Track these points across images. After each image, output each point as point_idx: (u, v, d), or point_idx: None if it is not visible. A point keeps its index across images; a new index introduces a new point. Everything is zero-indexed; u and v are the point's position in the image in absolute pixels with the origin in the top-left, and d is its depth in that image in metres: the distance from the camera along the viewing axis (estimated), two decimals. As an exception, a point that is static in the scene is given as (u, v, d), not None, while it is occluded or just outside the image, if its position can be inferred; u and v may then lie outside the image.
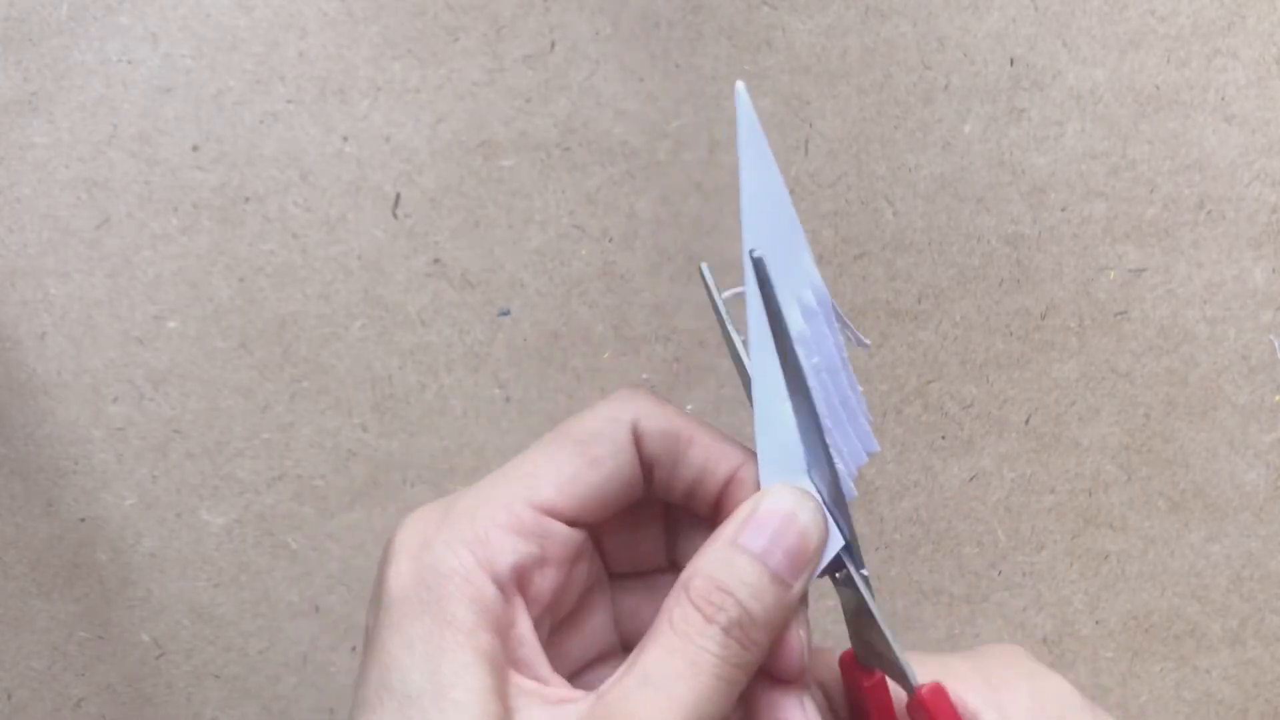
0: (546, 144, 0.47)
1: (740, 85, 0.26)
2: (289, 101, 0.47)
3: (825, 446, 0.26)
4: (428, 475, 0.47)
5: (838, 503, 0.27)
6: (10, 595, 0.47)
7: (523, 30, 0.47)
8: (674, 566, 0.30)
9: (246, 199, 0.47)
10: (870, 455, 0.28)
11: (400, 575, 0.25)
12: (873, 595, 0.27)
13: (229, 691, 0.47)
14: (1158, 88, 0.47)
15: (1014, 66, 0.47)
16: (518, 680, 0.25)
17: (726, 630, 0.25)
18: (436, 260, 0.47)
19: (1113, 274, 0.47)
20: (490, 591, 0.25)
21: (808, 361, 0.26)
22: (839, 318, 0.28)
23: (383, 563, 0.26)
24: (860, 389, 0.28)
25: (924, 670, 0.28)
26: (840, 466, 0.27)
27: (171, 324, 0.47)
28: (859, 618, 0.28)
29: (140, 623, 0.47)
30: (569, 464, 0.27)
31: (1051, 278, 0.47)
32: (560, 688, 0.26)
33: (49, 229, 0.46)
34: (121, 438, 0.47)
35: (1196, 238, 0.47)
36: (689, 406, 0.47)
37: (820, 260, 0.47)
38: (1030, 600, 0.48)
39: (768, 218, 0.27)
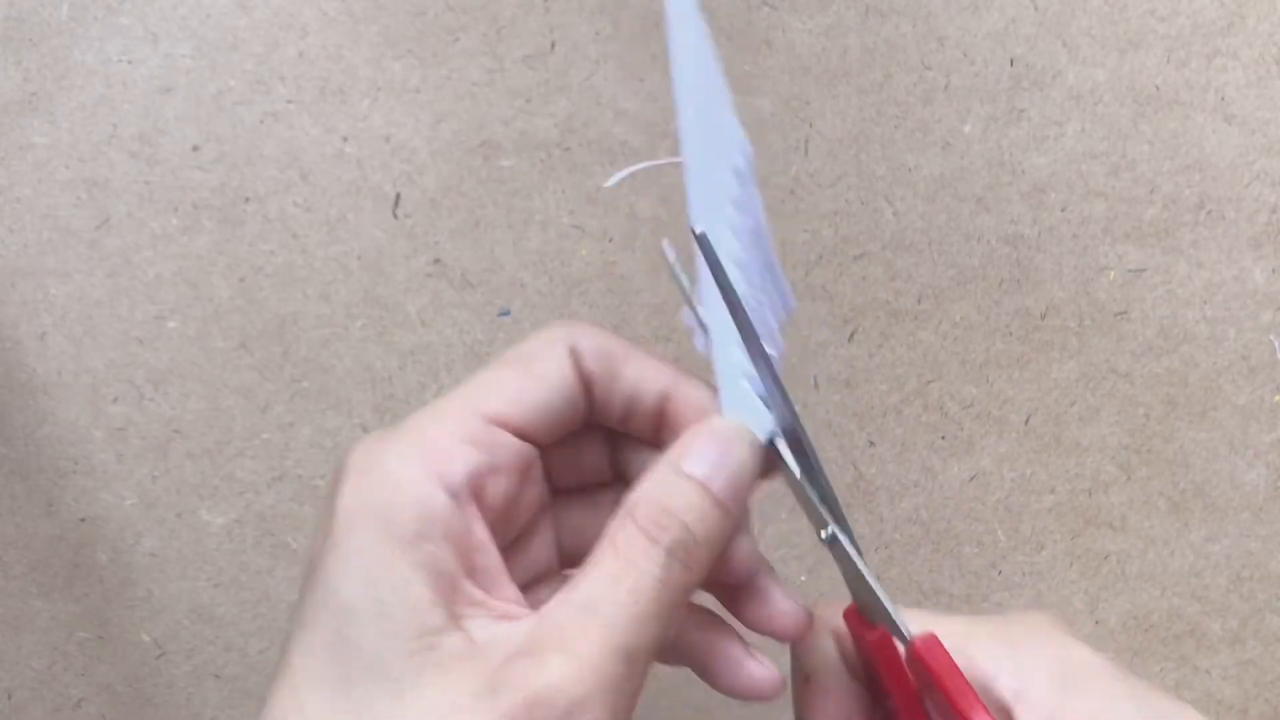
0: (546, 144, 0.47)
1: None
2: (289, 101, 0.47)
3: (773, 375, 0.27)
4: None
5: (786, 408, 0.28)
6: (10, 595, 0.47)
7: (523, 30, 0.47)
8: (618, 480, 0.30)
9: (246, 199, 0.47)
10: (789, 313, 0.30)
11: (346, 494, 0.25)
12: (860, 554, 0.28)
13: (229, 692, 0.47)
14: (1158, 88, 0.47)
15: (1014, 67, 0.47)
16: (469, 590, 0.25)
17: (670, 551, 0.25)
18: (437, 260, 0.47)
19: (1112, 274, 0.47)
20: (440, 499, 0.25)
21: (740, 239, 0.28)
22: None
23: (332, 485, 0.26)
24: (773, 250, 0.29)
25: (947, 630, 0.27)
26: (768, 331, 0.28)
27: (172, 324, 0.47)
28: (852, 578, 0.28)
29: (140, 623, 0.47)
30: (513, 380, 0.27)
31: (1051, 278, 0.47)
32: (510, 602, 0.26)
33: (49, 229, 0.46)
34: (122, 438, 0.47)
35: (1196, 238, 0.47)
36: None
37: (820, 260, 0.47)
38: (1030, 600, 0.48)
39: (698, 88, 0.29)
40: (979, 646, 0.28)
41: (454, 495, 0.25)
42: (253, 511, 0.47)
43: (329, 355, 0.47)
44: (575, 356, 0.28)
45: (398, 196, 0.47)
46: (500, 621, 0.25)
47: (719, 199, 0.28)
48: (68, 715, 0.47)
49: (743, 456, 0.27)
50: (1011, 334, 0.47)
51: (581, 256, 0.47)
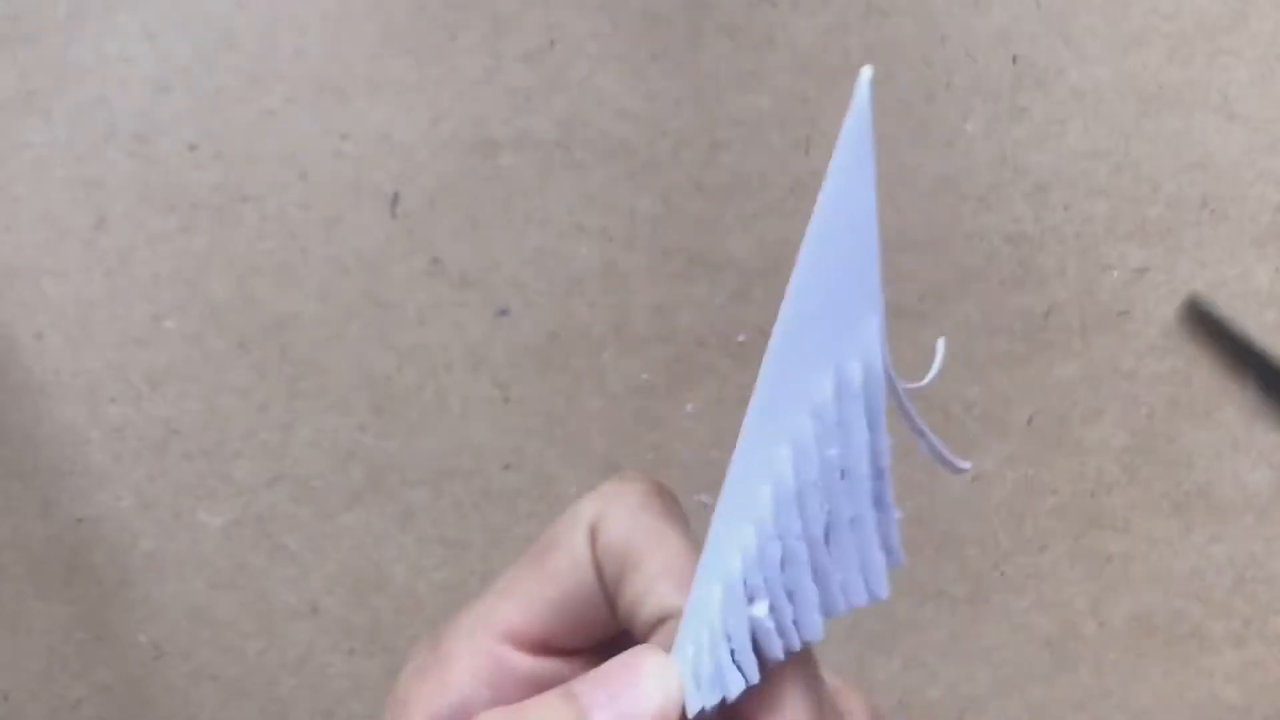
0: (546, 143, 0.47)
1: (866, 73, 0.18)
2: (287, 100, 0.47)
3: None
4: (426, 476, 0.47)
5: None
6: (7, 597, 0.47)
7: (522, 28, 0.47)
8: None
9: (244, 198, 0.46)
10: (874, 600, 0.21)
11: None
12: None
13: (227, 693, 0.47)
14: (1160, 86, 0.47)
15: (1016, 65, 0.47)
16: None
17: None
18: (435, 259, 0.47)
19: (1115, 273, 0.47)
20: None
21: (819, 452, 0.21)
22: (914, 425, 0.22)
23: None
24: (895, 514, 0.21)
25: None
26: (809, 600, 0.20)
27: (169, 324, 0.47)
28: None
29: (138, 624, 0.47)
30: (529, 578, 0.23)
31: (1054, 277, 0.47)
32: None
33: (45, 228, 0.46)
34: (119, 438, 0.46)
35: (1199, 237, 0.47)
36: (688, 407, 0.47)
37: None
38: (1033, 602, 0.48)
39: (838, 247, 0.20)
40: None
41: None
42: (250, 512, 0.47)
43: (327, 355, 0.47)
44: (593, 547, 0.23)
45: (396, 195, 0.47)
46: None
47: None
48: (65, 716, 0.47)
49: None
50: (1014, 334, 0.47)
51: (581, 256, 0.47)
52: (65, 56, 0.46)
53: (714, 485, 0.21)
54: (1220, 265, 0.47)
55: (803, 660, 0.21)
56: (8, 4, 0.46)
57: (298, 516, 0.47)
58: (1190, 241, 0.47)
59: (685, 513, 0.23)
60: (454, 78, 0.47)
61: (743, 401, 0.21)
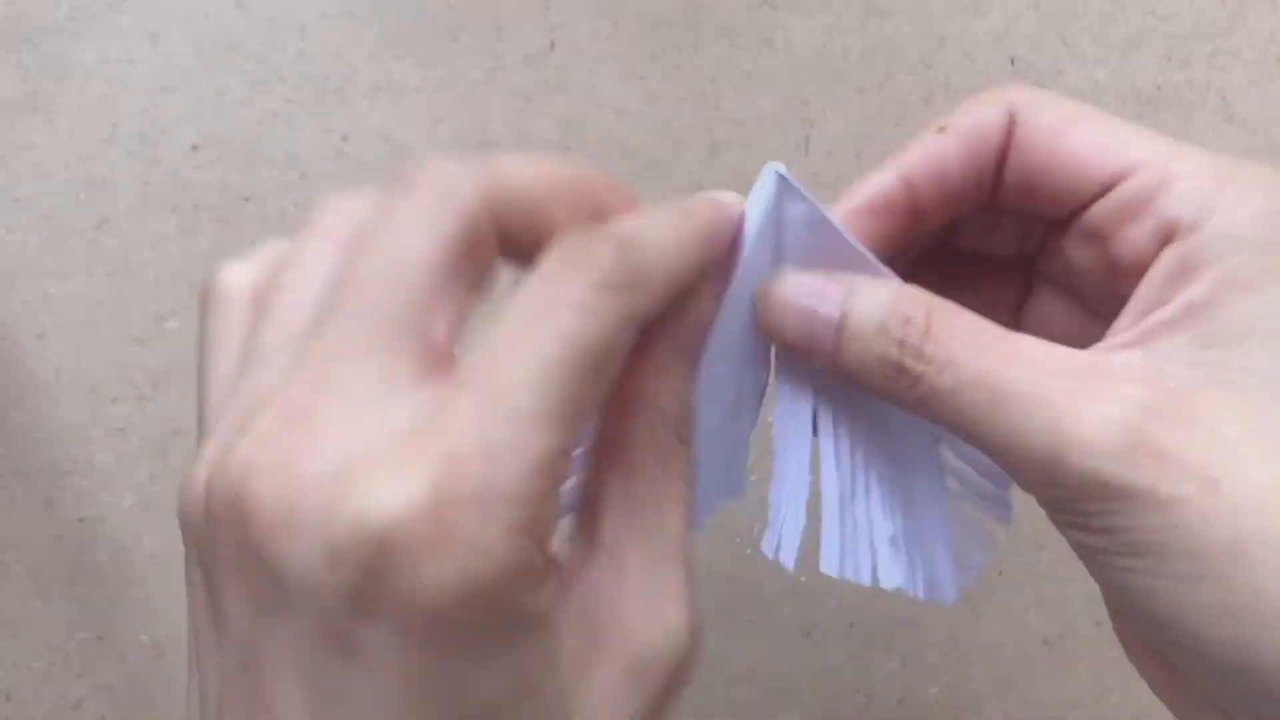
0: (546, 144, 0.47)
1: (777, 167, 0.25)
2: (288, 101, 0.47)
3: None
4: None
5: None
6: (9, 596, 0.47)
7: (523, 30, 0.47)
8: None
9: (246, 199, 0.47)
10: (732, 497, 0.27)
11: (428, 583, 0.18)
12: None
13: (228, 692, 0.47)
14: (1159, 87, 0.47)
15: (1014, 66, 0.47)
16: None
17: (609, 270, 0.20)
18: (436, 260, 0.47)
19: (1114, 274, 0.47)
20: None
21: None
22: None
23: (328, 551, 0.18)
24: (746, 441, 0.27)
25: (1149, 154, 0.24)
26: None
27: (171, 324, 0.47)
28: None
29: (140, 623, 0.47)
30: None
31: (1052, 278, 0.47)
32: None
33: (48, 229, 0.46)
34: (121, 438, 0.47)
35: (1198, 237, 0.47)
36: (689, 407, 0.47)
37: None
38: (1031, 601, 0.48)
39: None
40: (1179, 173, 0.24)
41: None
42: (252, 512, 0.47)
43: (328, 355, 0.47)
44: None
45: (397, 196, 0.47)
46: (579, 583, 0.22)
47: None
48: (67, 716, 0.47)
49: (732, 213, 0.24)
50: (1012, 334, 0.47)
51: (581, 256, 0.47)
52: (67, 58, 0.46)
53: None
54: (1218, 265, 0.47)
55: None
56: (9, 5, 0.46)
57: (299, 516, 0.47)
58: (1188, 242, 0.47)
59: None
60: (455, 79, 0.47)
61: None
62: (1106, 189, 0.24)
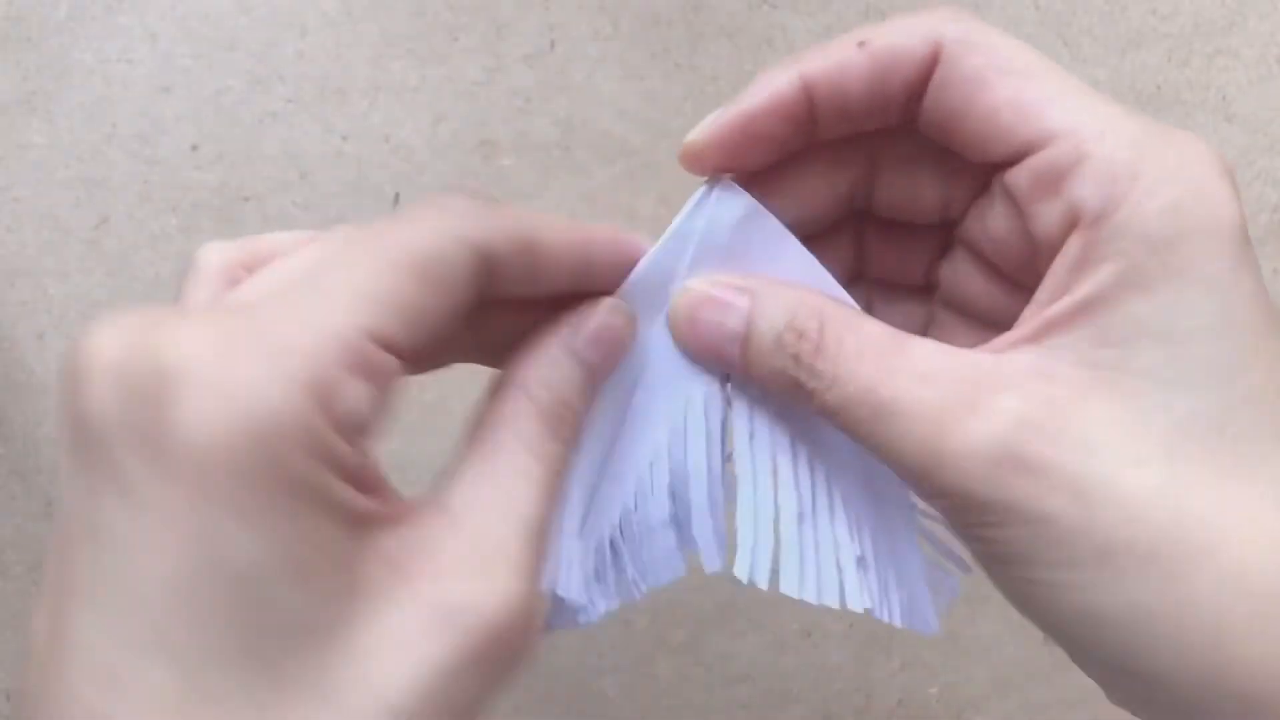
0: (546, 144, 0.47)
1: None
2: (288, 101, 0.47)
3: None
4: (428, 476, 0.47)
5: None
6: (9, 595, 0.47)
7: (523, 29, 0.47)
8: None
9: (246, 198, 0.47)
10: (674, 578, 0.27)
11: (201, 416, 0.18)
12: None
13: (228, 692, 0.47)
14: (1159, 87, 0.47)
15: (1015, 66, 0.47)
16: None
17: (566, 442, 0.24)
18: (436, 260, 0.47)
19: (1114, 274, 0.47)
20: (318, 425, 0.19)
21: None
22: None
23: (134, 389, 0.18)
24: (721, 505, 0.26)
25: (1069, 123, 0.23)
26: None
27: (171, 324, 0.47)
28: None
29: (139, 623, 0.47)
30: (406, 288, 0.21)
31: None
32: (391, 500, 0.22)
33: (48, 229, 0.46)
34: (120, 438, 0.47)
35: (1198, 237, 0.47)
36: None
37: (821, 260, 0.47)
38: (1031, 601, 0.48)
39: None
40: (1096, 146, 0.22)
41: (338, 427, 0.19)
42: (252, 512, 0.47)
43: (328, 355, 0.47)
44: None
45: (397, 196, 0.47)
46: (405, 528, 0.22)
47: None
48: (67, 716, 0.47)
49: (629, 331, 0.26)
50: (1012, 334, 0.47)
51: (581, 256, 0.47)
52: (67, 57, 0.46)
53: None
54: (1218, 265, 0.47)
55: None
56: (9, 5, 0.46)
57: (299, 516, 0.47)
58: (1188, 242, 0.47)
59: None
60: (455, 79, 0.47)
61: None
62: (1021, 155, 0.23)
